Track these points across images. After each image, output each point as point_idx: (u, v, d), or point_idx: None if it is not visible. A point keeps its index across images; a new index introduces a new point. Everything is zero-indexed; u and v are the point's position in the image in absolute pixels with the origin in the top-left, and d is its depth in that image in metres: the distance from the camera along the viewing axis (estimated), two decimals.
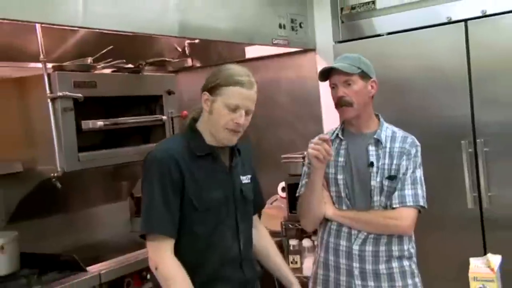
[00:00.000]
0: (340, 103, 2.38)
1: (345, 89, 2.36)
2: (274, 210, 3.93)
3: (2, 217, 3.20)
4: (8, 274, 2.87)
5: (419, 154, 2.40)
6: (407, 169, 2.34)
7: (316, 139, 2.29)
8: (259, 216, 2.54)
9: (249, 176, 2.29)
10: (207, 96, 2.11)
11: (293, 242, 3.79)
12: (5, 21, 2.42)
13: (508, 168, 3.11)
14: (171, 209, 2.05)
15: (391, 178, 2.34)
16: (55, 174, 2.88)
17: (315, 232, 3.18)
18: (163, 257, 2.04)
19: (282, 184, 3.88)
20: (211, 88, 2.10)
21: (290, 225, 3.77)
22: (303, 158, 3.63)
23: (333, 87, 2.41)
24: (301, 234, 3.76)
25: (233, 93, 2.06)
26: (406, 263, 2.38)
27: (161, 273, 2.04)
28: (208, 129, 2.15)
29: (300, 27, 3.88)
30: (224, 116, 2.08)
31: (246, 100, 2.09)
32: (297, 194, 2.55)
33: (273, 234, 3.84)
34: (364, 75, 2.38)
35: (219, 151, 2.19)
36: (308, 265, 3.70)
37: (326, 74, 2.43)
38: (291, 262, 3.72)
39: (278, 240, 3.77)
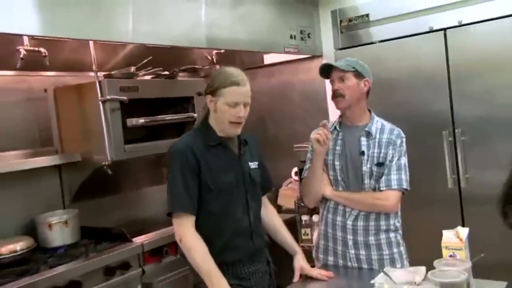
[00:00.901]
0: (334, 95, 2.39)
1: (340, 84, 2.36)
2: (289, 191, 3.95)
3: (66, 198, 3.26)
4: (71, 243, 2.95)
5: (404, 144, 2.37)
6: (393, 157, 2.33)
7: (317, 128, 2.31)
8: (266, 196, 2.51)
9: (257, 163, 2.29)
10: (211, 98, 2.13)
11: (304, 217, 3.76)
12: (68, 39, 2.56)
13: (482, 153, 3.08)
14: (191, 191, 2.07)
15: (379, 164, 2.33)
16: (106, 163, 2.93)
17: (314, 208, 3.22)
18: (185, 231, 2.06)
19: (295, 169, 3.88)
20: (213, 91, 2.12)
21: (302, 204, 3.76)
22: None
23: (331, 82, 2.41)
24: (311, 210, 3.70)
25: (231, 92, 2.09)
26: (392, 235, 2.37)
27: (184, 244, 2.07)
28: (216, 124, 2.17)
29: (308, 37, 3.87)
30: (227, 113, 2.10)
31: (242, 95, 2.11)
32: (302, 177, 2.55)
33: (288, 211, 3.90)
34: (358, 74, 2.36)
35: (228, 142, 2.20)
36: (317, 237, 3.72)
37: (325, 71, 2.43)
38: (303, 234, 3.70)
39: (292, 216, 3.78)
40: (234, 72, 2.14)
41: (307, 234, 3.72)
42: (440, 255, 1.94)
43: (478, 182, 3.10)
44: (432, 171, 3.15)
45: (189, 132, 2.25)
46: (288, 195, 3.92)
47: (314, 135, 2.30)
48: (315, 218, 3.75)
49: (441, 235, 2.09)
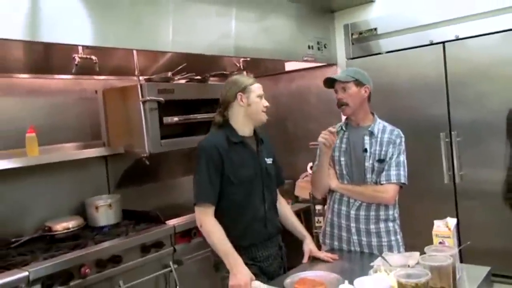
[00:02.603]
0: (339, 104, 2.41)
1: (343, 94, 2.37)
2: (305, 183, 3.95)
3: (111, 184, 3.33)
4: (114, 224, 3.02)
5: (403, 143, 2.37)
6: (392, 154, 2.33)
7: (326, 131, 2.32)
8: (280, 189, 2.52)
9: (271, 159, 2.31)
10: (241, 95, 2.18)
11: (318, 207, 3.77)
12: (116, 48, 2.65)
13: (475, 153, 3.05)
14: (213, 184, 2.10)
15: (380, 161, 2.33)
16: (145, 155, 2.96)
17: (321, 199, 3.22)
18: (205, 218, 2.10)
19: (310, 164, 3.88)
20: (243, 89, 2.18)
21: None
22: None
23: (335, 92, 2.42)
24: (324, 201, 3.70)
25: (256, 87, 2.21)
26: (390, 224, 2.37)
27: (204, 229, 2.10)
28: (246, 118, 2.21)
29: (324, 47, 3.86)
30: (259, 104, 2.20)
31: (261, 90, 2.23)
32: (311, 172, 2.59)
33: (304, 201, 3.92)
34: (359, 83, 2.36)
35: (248, 140, 2.23)
36: None
37: (330, 83, 2.44)
38: (317, 222, 3.72)
39: (307, 206, 3.81)
40: (245, 77, 2.27)
41: (320, 222, 3.73)
42: (433, 243, 1.95)
43: (471, 179, 3.07)
44: (430, 168, 3.13)
45: (213, 131, 2.27)
46: (304, 186, 3.93)
47: (321, 138, 2.32)
48: (326, 207, 3.77)
49: None
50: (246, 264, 2.04)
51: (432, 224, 2.90)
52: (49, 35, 2.18)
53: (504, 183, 2.68)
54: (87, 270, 2.41)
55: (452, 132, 3.11)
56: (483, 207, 2.93)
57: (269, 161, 2.29)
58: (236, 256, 2.02)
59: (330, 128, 2.32)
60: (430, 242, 1.98)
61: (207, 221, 2.09)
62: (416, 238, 2.44)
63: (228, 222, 2.10)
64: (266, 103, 2.22)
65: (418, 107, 3.25)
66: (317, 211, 3.79)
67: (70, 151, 3.10)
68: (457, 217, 2.95)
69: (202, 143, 2.19)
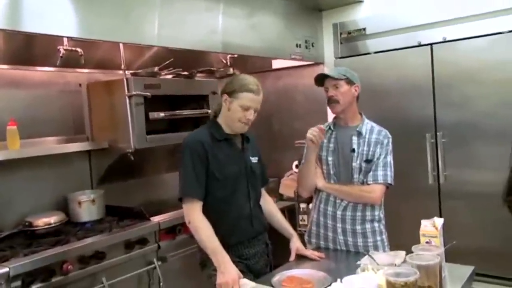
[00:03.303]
0: (330, 101, 2.40)
1: (334, 91, 2.36)
2: (290, 181, 3.95)
3: (94, 179, 3.28)
4: (97, 219, 2.97)
5: (390, 144, 2.38)
6: (380, 155, 2.33)
7: (315, 127, 2.31)
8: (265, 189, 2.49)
9: (257, 158, 2.30)
10: (226, 97, 2.14)
11: (302, 205, 3.79)
12: (102, 41, 2.59)
13: (460, 154, 3.09)
14: (200, 179, 2.08)
15: (368, 161, 2.33)
16: (130, 150, 2.94)
17: (307, 198, 3.22)
18: (193, 214, 2.07)
19: (296, 162, 3.91)
20: (230, 92, 2.13)
21: None
22: None
23: (326, 90, 2.41)
24: (309, 199, 3.70)
25: (246, 97, 2.11)
26: (376, 224, 2.38)
27: (192, 225, 2.07)
28: (226, 121, 2.18)
29: (312, 46, 3.87)
30: (238, 113, 2.12)
31: (255, 102, 2.13)
32: (299, 169, 2.58)
33: (288, 199, 3.92)
34: (349, 81, 2.37)
35: (233, 138, 2.21)
36: None
37: (321, 80, 2.43)
38: (301, 220, 3.72)
39: (292, 204, 3.81)
40: (252, 81, 2.16)
41: (304, 220, 3.74)
42: (419, 242, 1.96)
43: (455, 179, 3.11)
44: (415, 168, 3.16)
45: (199, 129, 2.26)
46: (288, 185, 3.94)
47: (309, 134, 2.31)
48: (312, 206, 3.78)
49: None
50: (233, 261, 2.03)
51: (416, 224, 2.93)
52: (32, 25, 2.14)
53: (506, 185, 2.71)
54: (69, 267, 2.38)
55: (438, 133, 3.14)
56: (467, 207, 2.98)
57: (254, 159, 2.28)
58: (224, 253, 2.01)
59: (319, 126, 2.31)
60: (415, 241, 1.99)
61: (195, 217, 2.07)
62: (401, 238, 2.46)
63: (214, 219, 2.08)
64: (249, 116, 2.13)
65: (404, 107, 3.28)
66: (301, 209, 3.81)
67: (52, 145, 3.05)
68: (440, 217, 3.00)
69: (187, 139, 2.17)
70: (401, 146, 2.41)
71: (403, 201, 3.10)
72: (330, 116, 3.87)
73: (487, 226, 2.94)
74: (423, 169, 3.18)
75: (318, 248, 2.43)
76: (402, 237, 2.47)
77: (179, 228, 2.98)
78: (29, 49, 2.82)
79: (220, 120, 2.22)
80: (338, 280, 1.74)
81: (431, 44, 3.18)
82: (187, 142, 2.15)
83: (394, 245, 2.41)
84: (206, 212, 2.10)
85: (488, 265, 2.77)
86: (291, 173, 4.02)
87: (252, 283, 1.92)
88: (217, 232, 2.05)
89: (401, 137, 2.43)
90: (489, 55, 2.95)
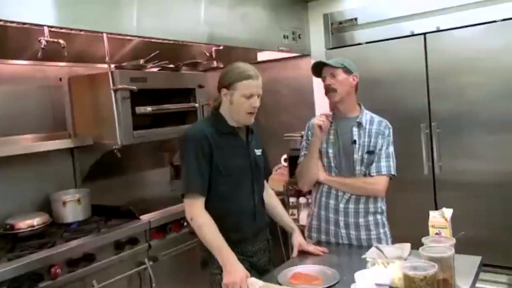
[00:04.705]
0: (327, 90, 2.36)
1: (332, 79, 2.33)
2: (278, 176, 3.91)
3: (78, 178, 3.19)
4: (83, 220, 2.88)
5: (391, 134, 2.36)
6: (382, 145, 2.31)
7: (321, 115, 2.31)
8: (267, 181, 2.45)
9: (261, 150, 2.25)
10: (225, 91, 2.06)
11: (292, 199, 3.78)
12: (81, 32, 2.48)
13: (454, 144, 3.09)
14: (203, 174, 2.01)
15: (370, 153, 2.31)
16: (116, 147, 2.85)
17: (309, 192, 3.20)
18: (196, 210, 2.00)
19: (285, 156, 3.87)
20: (228, 85, 2.05)
21: (290, 187, 3.77)
22: (301, 136, 3.62)
23: (323, 79, 2.38)
24: (298, 193, 3.74)
25: (246, 85, 2.03)
26: (378, 217, 2.37)
27: (195, 222, 2.00)
28: (230, 114, 2.10)
29: (299, 38, 3.83)
30: (243, 104, 2.04)
31: (256, 88, 2.06)
32: (298, 163, 2.51)
33: (277, 193, 3.84)
34: (347, 70, 2.34)
35: (237, 130, 2.14)
36: (303, 217, 3.69)
37: (318, 69, 2.39)
38: (290, 215, 3.68)
39: (281, 198, 3.76)
40: (248, 67, 2.08)
41: (294, 214, 3.74)
42: (416, 232, 1.92)
43: (450, 169, 3.11)
44: (410, 159, 3.13)
45: (201, 121, 2.19)
46: (277, 179, 3.88)
47: (317, 121, 2.28)
48: (301, 200, 3.75)
49: (419, 215, 2.09)
50: (238, 260, 1.96)
51: (413, 215, 2.93)
52: (9, 13, 2.04)
53: None
54: (57, 271, 2.27)
55: (432, 124, 3.13)
56: (462, 197, 2.98)
57: (258, 152, 2.22)
58: (230, 252, 1.94)
59: (325, 112, 2.28)
60: (411, 232, 1.97)
61: (198, 213, 1.99)
62: (397, 229, 2.45)
63: (217, 215, 2.01)
64: (255, 103, 2.05)
65: (398, 98, 3.26)
66: (291, 204, 3.78)
67: (31, 143, 2.92)
68: (435, 207, 3.00)
69: (189, 131, 2.09)
70: (396, 137, 2.39)
71: (398, 192, 3.04)
72: (318, 109, 3.91)
73: (482, 216, 2.95)
74: (418, 160, 3.17)
75: (319, 243, 2.40)
76: (398, 229, 2.46)
77: (169, 226, 2.92)
78: (3, 41, 2.67)
79: (223, 112, 2.13)
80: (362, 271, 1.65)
81: (424, 34, 3.16)
82: (190, 135, 2.07)
83: (391, 237, 2.40)
84: (208, 208, 2.02)
85: (482, 255, 2.77)
86: (280, 167, 3.98)
87: (260, 282, 1.85)
88: (220, 229, 1.98)
89: (395, 128, 2.40)
90: (483, 44, 2.95)
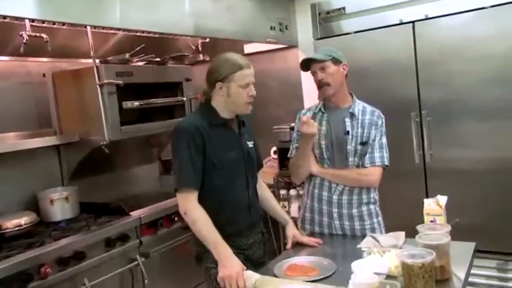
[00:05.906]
0: (320, 85, 2.33)
1: (322, 74, 2.30)
2: (268, 168, 3.90)
3: (65, 176, 3.13)
4: (72, 218, 2.84)
5: (384, 124, 2.35)
6: (375, 136, 2.30)
7: (302, 123, 2.21)
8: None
9: (253, 142, 2.23)
10: (221, 85, 2.03)
11: (282, 191, 3.79)
12: (64, 26, 2.42)
13: (445, 133, 3.10)
14: (196, 167, 1.98)
15: (363, 144, 2.29)
16: (104, 143, 2.81)
17: (299, 184, 3.18)
18: (190, 204, 1.97)
19: (274, 148, 3.86)
20: (223, 78, 2.01)
21: (280, 179, 3.78)
22: (291, 128, 3.61)
23: (313, 74, 2.34)
24: (289, 185, 3.75)
25: (241, 75, 2.01)
26: (372, 207, 2.36)
27: (189, 216, 1.97)
28: (228, 106, 2.07)
29: (286, 29, 3.82)
30: (241, 94, 2.02)
31: (250, 76, 2.05)
32: (289, 155, 2.48)
33: (267, 186, 3.85)
34: (336, 61, 2.31)
35: (230, 122, 2.11)
36: (294, 209, 3.70)
37: (306, 65, 2.36)
38: (281, 207, 3.70)
39: (272, 190, 3.73)
40: (237, 56, 2.06)
41: (285, 207, 3.75)
42: (408, 221, 1.93)
43: (441, 158, 3.12)
44: (401, 148, 3.13)
45: (192, 114, 2.16)
46: (267, 171, 3.87)
47: (305, 131, 2.21)
48: (292, 192, 3.75)
49: (410, 203, 2.09)
50: (233, 253, 1.94)
51: (404, 203, 2.94)
52: None
53: None
54: (47, 270, 2.24)
55: (422, 112, 3.14)
56: (453, 185, 3.00)
57: (250, 144, 2.21)
58: (225, 245, 1.92)
59: (303, 118, 2.22)
60: (404, 221, 1.97)
61: (192, 207, 1.97)
62: (390, 218, 2.45)
63: (211, 209, 1.98)
64: (252, 92, 2.04)
65: (388, 87, 3.25)
66: (281, 196, 3.79)
67: (15, 140, 2.86)
68: (427, 196, 3.01)
69: (181, 124, 2.05)
70: (386, 126, 2.38)
71: (389, 181, 3.04)
72: (307, 100, 3.90)
73: (474, 203, 2.97)
74: (409, 148, 3.17)
75: (312, 234, 2.39)
76: (390, 218, 2.46)
77: (160, 222, 2.90)
78: None
79: (215, 104, 2.10)
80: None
81: (412, 22, 3.15)
82: (182, 127, 2.03)
83: (384, 226, 2.40)
84: (202, 202, 2.00)
85: (474, 240, 2.80)
86: (269, 160, 3.98)
87: (257, 275, 1.84)
88: (214, 223, 1.96)
89: (385, 118, 2.39)
90: (472, 31, 2.95)
